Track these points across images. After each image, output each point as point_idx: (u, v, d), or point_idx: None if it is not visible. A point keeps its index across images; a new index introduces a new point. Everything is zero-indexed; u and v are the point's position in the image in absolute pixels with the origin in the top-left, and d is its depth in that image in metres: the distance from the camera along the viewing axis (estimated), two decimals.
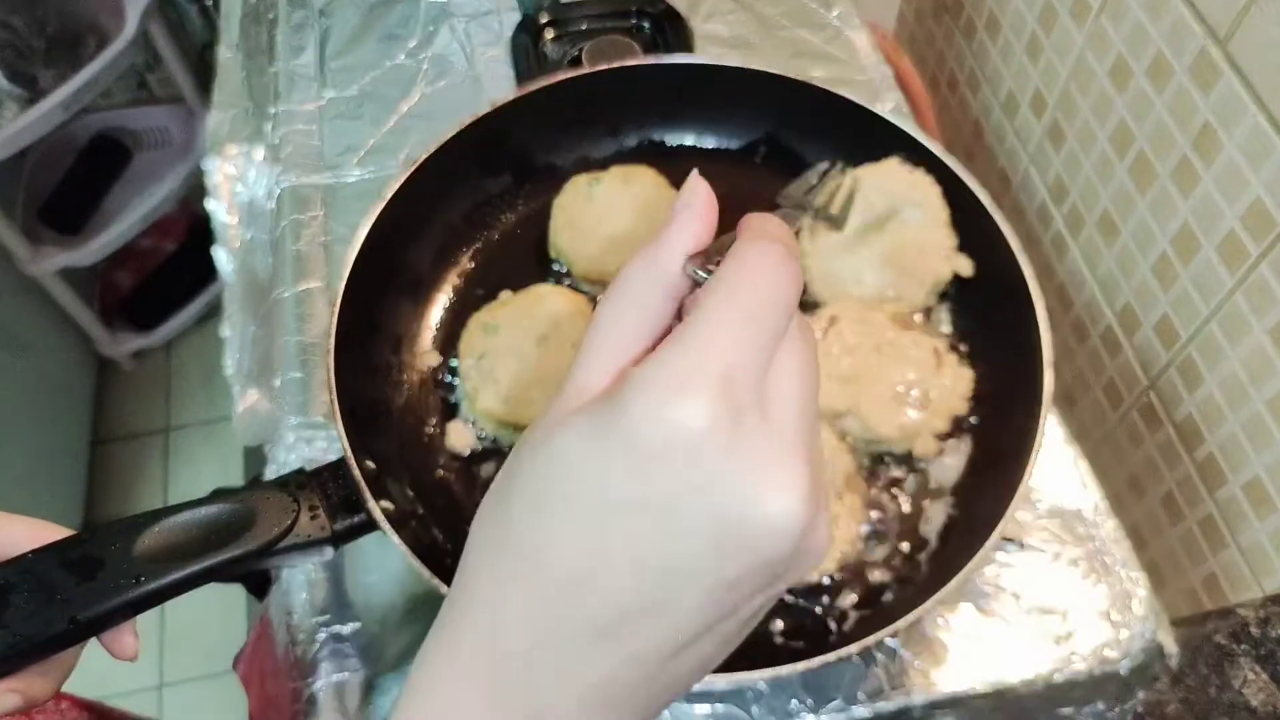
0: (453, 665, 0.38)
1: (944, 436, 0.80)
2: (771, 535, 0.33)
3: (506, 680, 0.37)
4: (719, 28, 1.18)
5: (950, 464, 0.81)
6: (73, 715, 0.85)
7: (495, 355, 0.81)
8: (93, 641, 0.56)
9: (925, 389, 0.80)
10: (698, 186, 0.41)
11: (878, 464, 0.81)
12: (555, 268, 0.91)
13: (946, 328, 0.88)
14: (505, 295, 0.86)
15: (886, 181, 0.86)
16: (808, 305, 0.86)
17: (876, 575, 0.76)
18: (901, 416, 0.79)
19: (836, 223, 0.81)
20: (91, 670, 0.70)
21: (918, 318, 0.87)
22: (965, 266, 0.84)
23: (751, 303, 0.35)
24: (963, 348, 0.86)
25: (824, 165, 0.78)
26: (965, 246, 0.88)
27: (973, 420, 0.82)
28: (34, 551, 0.53)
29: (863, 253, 0.85)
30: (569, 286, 0.89)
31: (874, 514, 0.79)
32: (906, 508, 0.79)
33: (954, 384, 0.81)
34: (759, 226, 0.39)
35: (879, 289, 0.85)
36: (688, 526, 0.33)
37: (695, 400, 0.32)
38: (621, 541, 0.33)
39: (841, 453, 0.78)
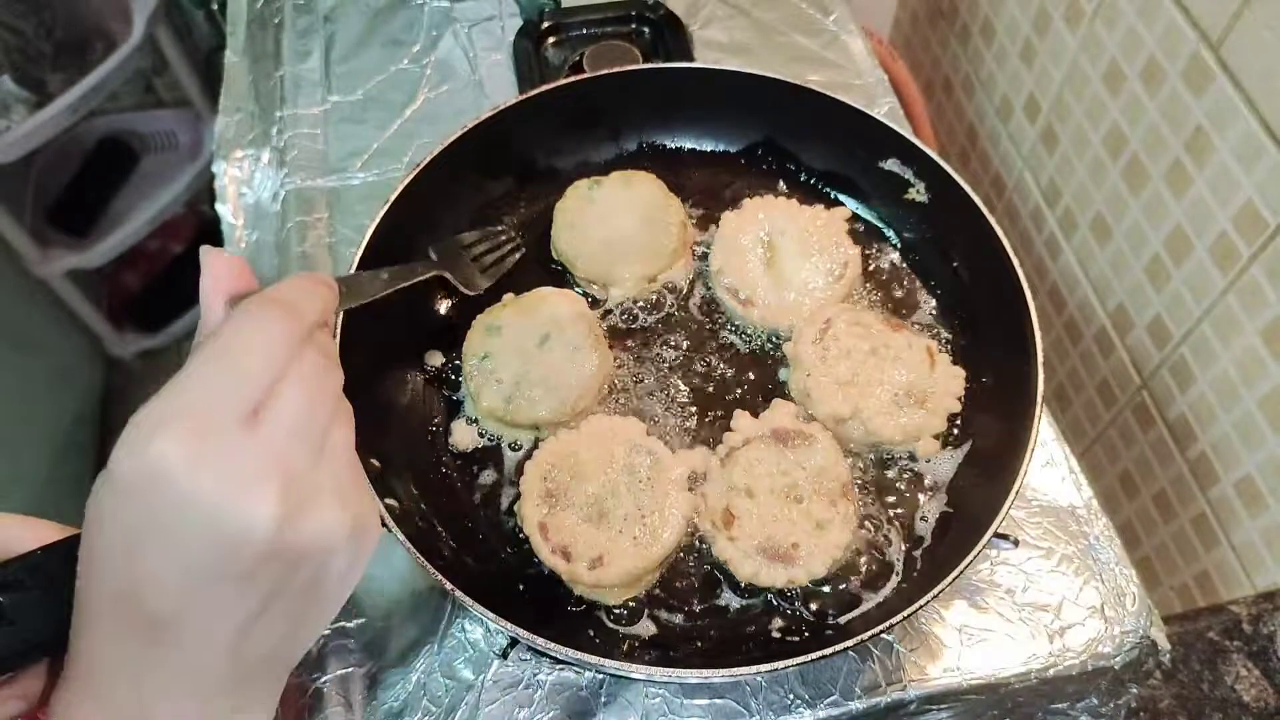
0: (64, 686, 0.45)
1: (943, 436, 0.82)
2: (246, 534, 0.40)
3: (106, 686, 0.44)
4: (717, 33, 1.19)
5: (946, 463, 0.82)
6: None
7: (498, 355, 0.83)
8: None
9: (922, 389, 0.81)
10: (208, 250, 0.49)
11: (875, 464, 0.82)
12: (555, 269, 0.93)
13: (942, 330, 0.89)
14: (508, 297, 0.88)
15: (757, 217, 0.92)
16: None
17: (873, 572, 0.77)
18: (902, 419, 0.80)
19: (472, 284, 0.87)
20: None
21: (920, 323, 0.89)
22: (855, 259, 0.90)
23: (227, 354, 0.42)
24: (960, 343, 0.87)
25: (497, 229, 0.90)
26: (959, 249, 0.89)
27: (968, 420, 0.83)
28: (42, 549, 0.54)
29: (789, 278, 0.89)
30: (570, 288, 0.91)
31: (871, 512, 0.80)
32: (903, 506, 0.80)
33: (948, 383, 0.82)
34: (274, 290, 0.47)
35: (824, 287, 0.88)
36: (182, 542, 0.40)
37: (164, 436, 0.39)
38: (144, 569, 0.41)
39: (840, 462, 0.79)
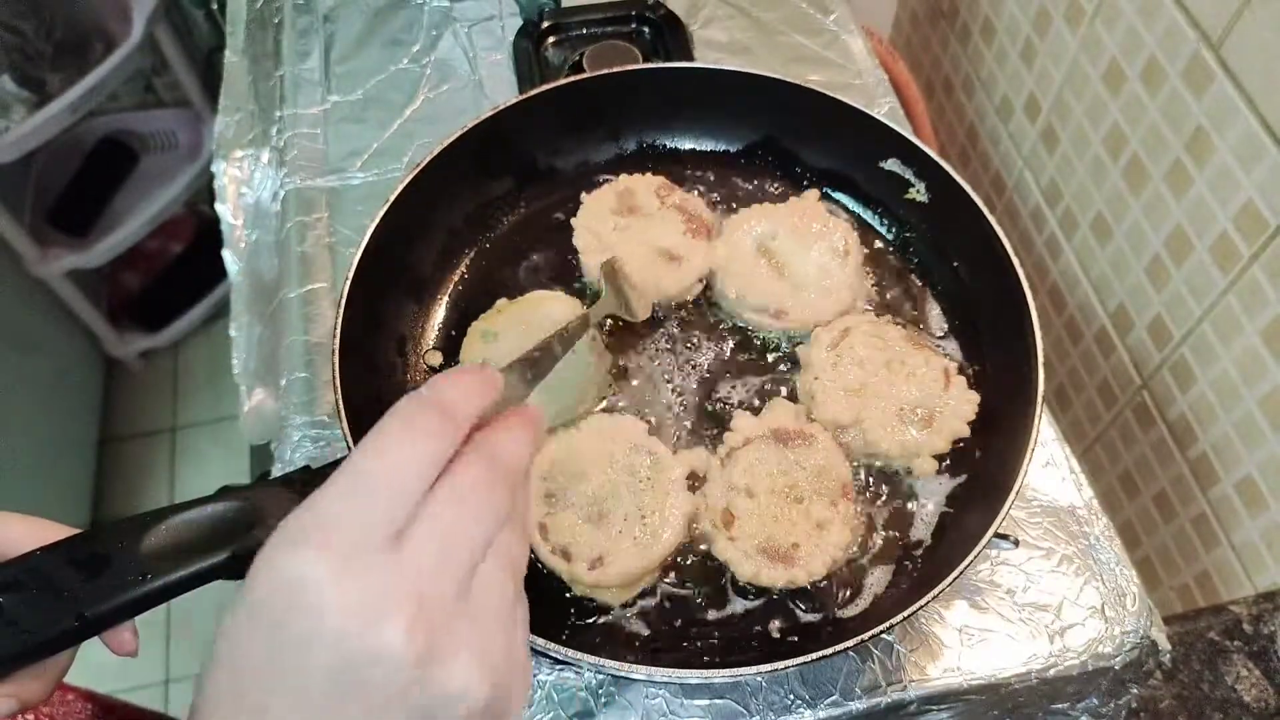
0: None
1: (943, 457, 0.81)
2: (371, 668, 0.36)
3: None
4: (717, 33, 1.19)
5: (939, 484, 0.81)
6: (78, 707, 0.86)
7: (495, 362, 0.82)
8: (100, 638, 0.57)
9: (930, 409, 0.80)
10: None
11: (876, 465, 0.82)
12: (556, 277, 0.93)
13: (940, 330, 0.89)
14: (501, 303, 0.87)
15: (743, 229, 0.91)
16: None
17: (872, 572, 0.78)
18: (903, 434, 0.79)
19: (634, 311, 0.84)
20: (99, 666, 0.72)
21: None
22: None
23: (374, 468, 0.39)
24: (959, 344, 0.87)
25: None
26: (959, 249, 0.89)
27: (972, 443, 0.82)
28: (42, 549, 0.53)
29: (803, 273, 0.88)
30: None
31: (870, 512, 0.80)
32: (902, 505, 0.80)
33: (959, 406, 0.81)
34: (432, 390, 0.42)
35: (838, 267, 0.88)
36: (304, 671, 0.36)
37: (305, 553, 0.37)
38: (257, 699, 0.37)
39: (840, 462, 0.79)
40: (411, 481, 0.39)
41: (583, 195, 0.93)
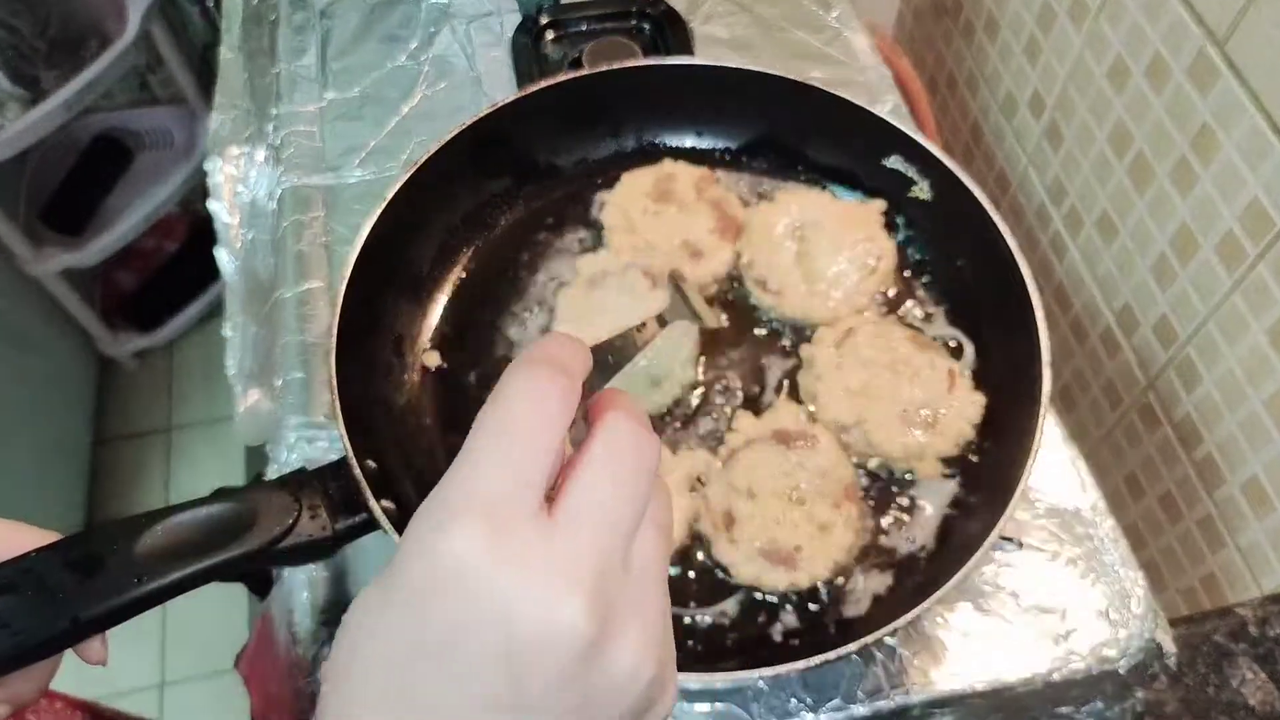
0: None
1: (947, 459, 0.80)
2: (546, 650, 0.33)
3: None
4: (718, 29, 1.18)
5: (942, 487, 0.80)
6: (66, 715, 0.85)
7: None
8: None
9: (934, 411, 0.79)
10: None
11: (879, 465, 0.82)
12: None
13: (946, 329, 0.88)
14: None
15: (790, 209, 0.90)
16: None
17: (875, 574, 0.77)
18: (907, 436, 0.79)
19: (709, 316, 0.74)
20: (94, 669, 0.71)
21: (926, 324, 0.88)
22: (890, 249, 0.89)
23: (505, 431, 0.36)
24: (963, 343, 0.87)
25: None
26: (963, 247, 0.89)
27: (976, 447, 0.81)
28: (36, 551, 0.53)
29: (821, 270, 0.88)
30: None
31: (872, 512, 0.79)
32: (906, 509, 0.80)
33: (964, 407, 0.80)
34: (537, 349, 0.39)
35: (858, 280, 0.87)
36: (470, 654, 0.33)
37: (460, 531, 0.33)
38: (416, 692, 0.34)
39: (843, 463, 0.78)
40: (553, 441, 0.36)
41: (623, 175, 0.93)
